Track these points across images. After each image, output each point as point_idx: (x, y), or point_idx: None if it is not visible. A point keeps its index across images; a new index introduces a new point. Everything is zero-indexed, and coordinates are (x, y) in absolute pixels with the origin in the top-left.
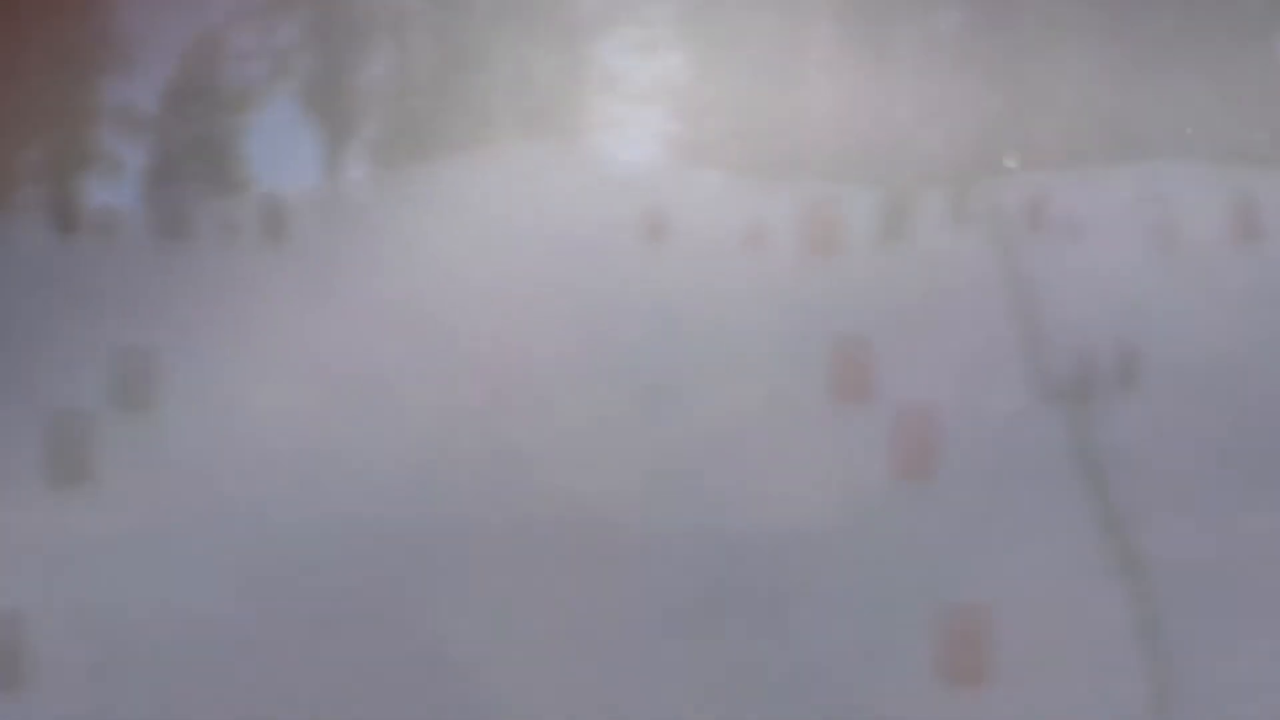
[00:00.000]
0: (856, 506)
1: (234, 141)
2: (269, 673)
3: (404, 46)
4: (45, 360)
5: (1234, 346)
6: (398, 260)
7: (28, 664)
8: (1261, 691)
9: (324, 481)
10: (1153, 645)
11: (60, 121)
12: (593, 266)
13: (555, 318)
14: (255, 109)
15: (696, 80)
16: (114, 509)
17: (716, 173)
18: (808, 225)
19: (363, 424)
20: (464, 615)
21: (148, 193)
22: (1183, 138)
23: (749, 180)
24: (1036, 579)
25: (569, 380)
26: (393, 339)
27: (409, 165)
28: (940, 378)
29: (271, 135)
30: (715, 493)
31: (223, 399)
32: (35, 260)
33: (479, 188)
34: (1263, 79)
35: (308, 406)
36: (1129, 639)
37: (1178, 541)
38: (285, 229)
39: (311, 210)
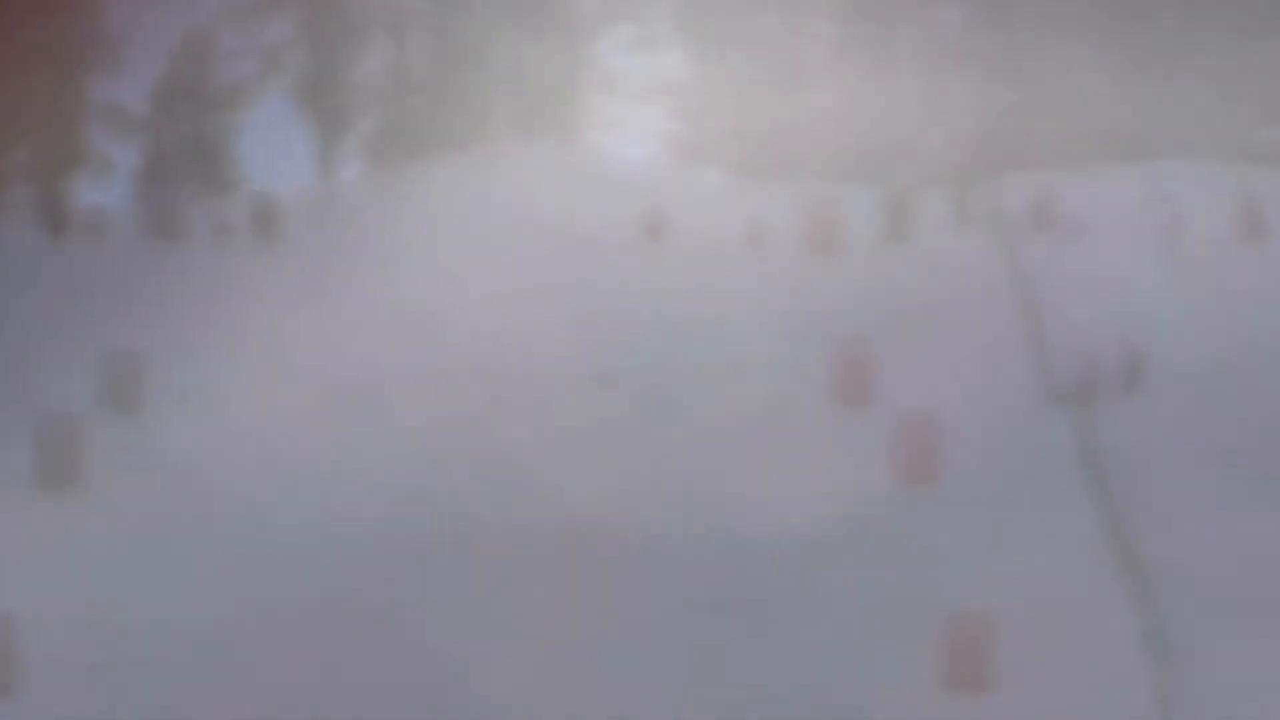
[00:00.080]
0: (858, 511)
1: (226, 141)
2: (259, 674)
3: (399, 43)
4: (35, 362)
5: (1239, 349)
6: (393, 261)
7: (18, 667)
8: (1264, 693)
9: (315, 484)
10: (1156, 649)
11: (51, 121)
12: (591, 266)
13: (553, 318)
14: (247, 108)
15: (696, 79)
16: (104, 512)
17: (716, 172)
18: (808, 225)
19: (357, 426)
20: (463, 616)
21: (139, 193)
22: (1186, 137)
23: (749, 180)
24: (1040, 584)
25: (567, 382)
26: (388, 340)
27: (404, 164)
28: (943, 380)
29: (264, 134)
30: (714, 497)
31: (214, 402)
32: (25, 261)
33: (475, 187)
34: (1267, 78)
35: (300, 409)
36: (1132, 643)
37: (1182, 545)
38: (278, 229)
39: (305, 210)
